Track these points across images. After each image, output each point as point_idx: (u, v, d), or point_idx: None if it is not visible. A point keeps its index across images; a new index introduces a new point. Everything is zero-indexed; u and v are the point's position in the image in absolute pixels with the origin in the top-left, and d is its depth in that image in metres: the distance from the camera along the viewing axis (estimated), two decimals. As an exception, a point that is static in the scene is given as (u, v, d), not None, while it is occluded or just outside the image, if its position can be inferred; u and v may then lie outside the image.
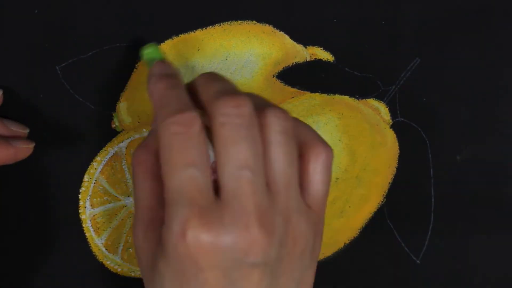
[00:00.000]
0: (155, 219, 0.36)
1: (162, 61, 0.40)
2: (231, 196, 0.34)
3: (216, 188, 0.35)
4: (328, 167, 0.37)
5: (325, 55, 0.46)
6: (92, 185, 0.45)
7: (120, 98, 0.45)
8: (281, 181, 0.35)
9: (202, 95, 0.37)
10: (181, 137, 0.34)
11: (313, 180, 0.37)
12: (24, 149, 0.43)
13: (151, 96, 0.38)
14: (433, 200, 0.47)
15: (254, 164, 0.34)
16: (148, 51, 0.41)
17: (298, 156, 0.36)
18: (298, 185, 0.36)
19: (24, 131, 0.43)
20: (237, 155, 0.34)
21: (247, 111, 0.35)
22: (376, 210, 0.47)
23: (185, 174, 0.34)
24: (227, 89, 0.36)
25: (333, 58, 0.46)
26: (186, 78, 0.45)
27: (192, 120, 0.35)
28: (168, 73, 0.38)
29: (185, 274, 0.34)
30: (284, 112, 0.36)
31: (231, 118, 0.34)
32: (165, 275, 0.35)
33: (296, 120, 0.38)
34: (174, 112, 0.35)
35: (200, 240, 0.33)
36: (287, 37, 0.45)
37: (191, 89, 0.37)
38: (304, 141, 0.37)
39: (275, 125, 0.35)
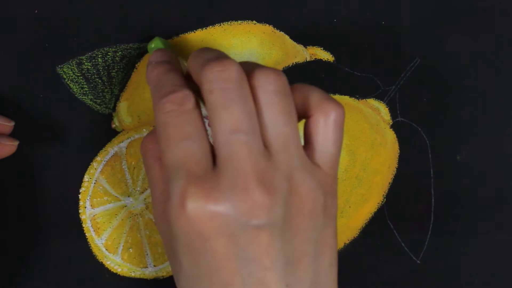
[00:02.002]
0: None
1: (160, 49, 0.40)
2: (226, 161, 0.33)
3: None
4: (338, 125, 0.36)
5: (325, 55, 0.46)
6: (92, 185, 0.45)
7: (120, 98, 0.45)
8: (278, 141, 0.34)
9: (193, 73, 0.36)
10: (175, 114, 0.35)
11: (322, 140, 0.36)
12: (7, 146, 0.42)
13: (149, 83, 0.38)
14: (433, 200, 0.47)
15: (247, 125, 0.34)
16: (153, 45, 0.42)
17: (297, 114, 0.36)
18: (299, 143, 0.35)
19: (10, 124, 0.42)
20: (228, 119, 0.33)
21: (233, 74, 0.34)
22: (376, 210, 0.47)
23: (180, 148, 0.34)
24: (212, 56, 0.35)
25: (333, 58, 0.46)
26: (186, 78, 0.45)
27: (184, 98, 0.35)
28: (164, 60, 0.39)
29: (194, 247, 0.34)
30: (276, 71, 0.35)
31: (217, 83, 0.34)
32: (179, 252, 0.34)
33: (301, 84, 0.37)
34: (167, 93, 0.35)
35: (199, 208, 0.33)
36: (287, 37, 0.45)
37: (189, 72, 0.38)
38: (311, 101, 0.36)
39: (266, 85, 0.35)
